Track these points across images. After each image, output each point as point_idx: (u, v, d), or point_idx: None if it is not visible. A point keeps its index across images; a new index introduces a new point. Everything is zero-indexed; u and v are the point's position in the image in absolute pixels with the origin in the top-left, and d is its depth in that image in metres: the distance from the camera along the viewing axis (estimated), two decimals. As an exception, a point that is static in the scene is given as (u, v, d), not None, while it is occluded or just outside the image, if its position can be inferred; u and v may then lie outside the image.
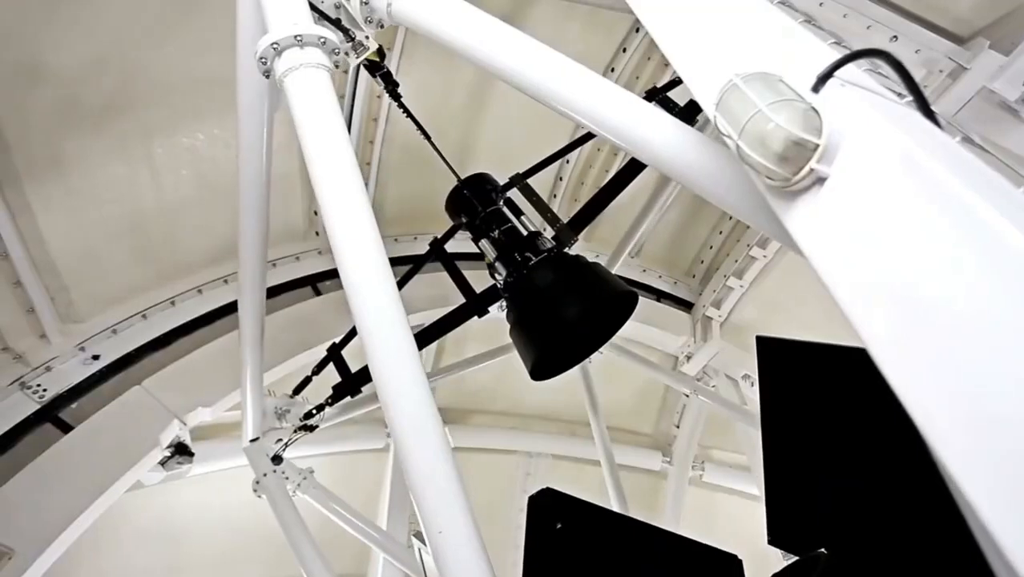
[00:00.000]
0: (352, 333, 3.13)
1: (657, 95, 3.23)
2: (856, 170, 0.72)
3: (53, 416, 2.95)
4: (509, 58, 1.50)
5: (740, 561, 2.22)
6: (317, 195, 1.44)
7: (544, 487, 2.18)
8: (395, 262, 2.92)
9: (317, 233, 4.14)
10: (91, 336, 3.21)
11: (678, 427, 5.20)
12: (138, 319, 3.37)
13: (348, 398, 3.10)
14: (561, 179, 4.66)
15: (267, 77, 1.63)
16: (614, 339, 2.64)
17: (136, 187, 3.22)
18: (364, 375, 3.00)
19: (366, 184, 4.13)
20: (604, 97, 1.35)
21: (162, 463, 3.20)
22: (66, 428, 2.92)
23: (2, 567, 2.32)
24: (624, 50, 4.10)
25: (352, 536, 3.18)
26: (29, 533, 2.49)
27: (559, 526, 2.05)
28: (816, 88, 0.85)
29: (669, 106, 3.26)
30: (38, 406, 2.93)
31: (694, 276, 5.24)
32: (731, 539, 2.42)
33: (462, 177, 2.74)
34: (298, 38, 1.58)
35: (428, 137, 2.53)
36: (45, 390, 2.97)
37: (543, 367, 2.39)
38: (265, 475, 3.05)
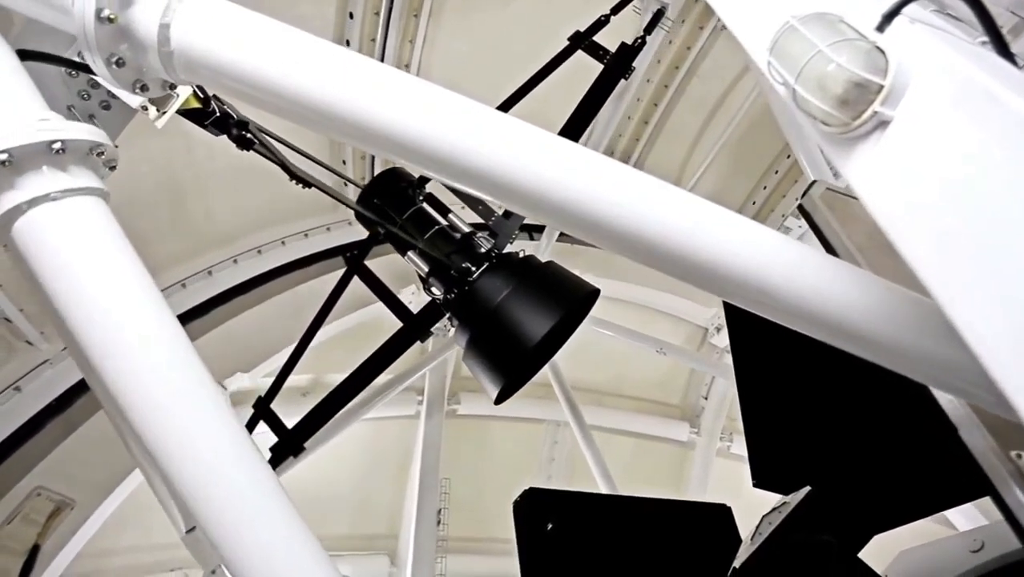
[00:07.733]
0: (280, 380, 2.51)
1: (583, 40, 2.79)
2: (927, 111, 0.68)
3: (103, 379, 3.11)
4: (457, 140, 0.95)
5: (729, 509, 2.24)
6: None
7: (527, 488, 2.14)
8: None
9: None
10: (135, 304, 3.34)
11: (706, 399, 5.18)
12: (177, 288, 3.49)
13: (291, 458, 2.51)
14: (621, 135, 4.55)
15: None
16: (594, 318, 2.41)
17: (172, 159, 3.28)
18: (306, 428, 2.47)
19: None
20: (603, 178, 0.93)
21: (204, 426, 3.34)
22: (116, 391, 3.08)
23: (65, 517, 2.49)
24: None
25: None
26: (88, 486, 2.67)
27: (550, 526, 2.02)
28: (881, 27, 0.80)
29: (597, 53, 2.81)
30: (89, 369, 3.08)
31: (725, 247, 5.14)
32: (757, 510, 2.42)
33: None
34: (3, 158, 0.83)
35: (293, 176, 2.06)
36: (95, 355, 3.12)
37: (508, 391, 2.20)
38: (214, 572, 2.25)
